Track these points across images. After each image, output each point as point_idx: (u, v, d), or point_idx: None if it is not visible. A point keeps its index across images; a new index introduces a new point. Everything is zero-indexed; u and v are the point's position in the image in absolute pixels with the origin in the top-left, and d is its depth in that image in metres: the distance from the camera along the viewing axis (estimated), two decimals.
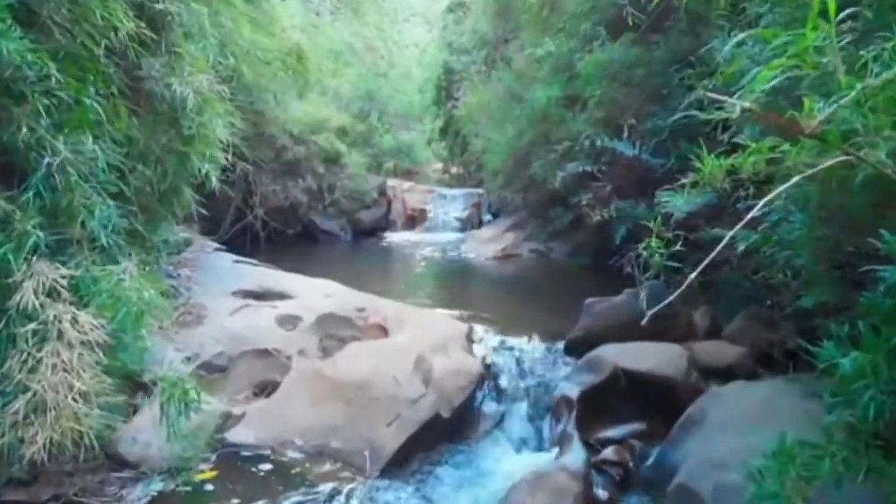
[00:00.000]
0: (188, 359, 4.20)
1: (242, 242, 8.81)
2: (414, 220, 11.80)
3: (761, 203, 1.77)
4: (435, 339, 4.24)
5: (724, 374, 3.99)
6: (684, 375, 3.89)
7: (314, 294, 5.23)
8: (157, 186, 4.10)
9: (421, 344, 4.10)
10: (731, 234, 2.09)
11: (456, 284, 6.81)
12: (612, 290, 6.03)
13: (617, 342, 4.24)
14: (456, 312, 5.39)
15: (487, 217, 11.72)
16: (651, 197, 5.96)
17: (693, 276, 1.91)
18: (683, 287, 2.04)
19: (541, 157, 8.13)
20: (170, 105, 4.07)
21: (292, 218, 9.48)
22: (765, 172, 2.00)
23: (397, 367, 3.76)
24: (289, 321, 4.70)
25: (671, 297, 2.07)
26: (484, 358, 4.18)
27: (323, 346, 4.49)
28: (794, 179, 1.75)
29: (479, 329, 4.80)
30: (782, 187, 1.83)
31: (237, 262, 5.90)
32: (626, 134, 5.85)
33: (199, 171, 4.16)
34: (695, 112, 2.66)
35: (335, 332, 4.74)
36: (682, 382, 3.85)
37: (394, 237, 10.65)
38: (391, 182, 12.25)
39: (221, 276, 5.42)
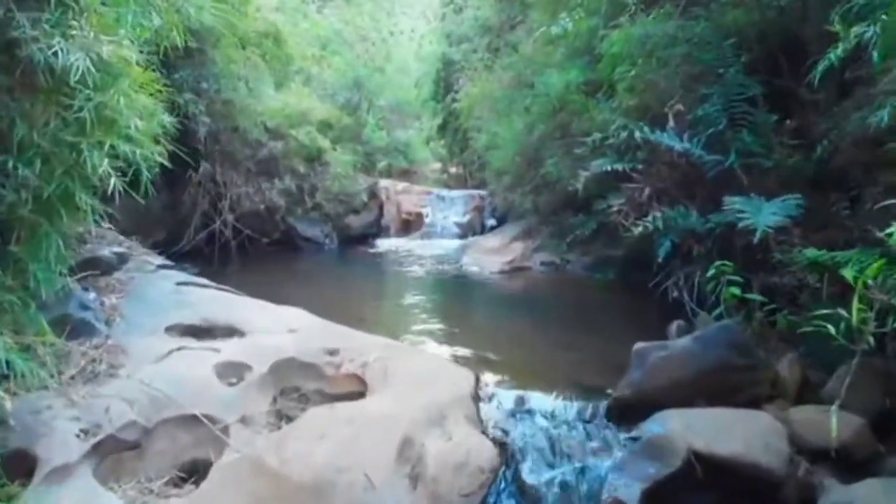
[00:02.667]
0: (85, 432, 3.02)
1: (210, 253, 7.63)
2: (409, 224, 10.63)
3: None
4: (429, 401, 3.06)
5: (838, 458, 2.81)
6: (785, 463, 2.71)
7: (274, 328, 4.05)
8: (38, 192, 2.92)
9: (409, 411, 2.92)
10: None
11: (456, 308, 5.62)
12: (650, 317, 4.87)
13: (680, 404, 3.07)
14: (457, 351, 4.21)
15: (491, 222, 10.55)
16: (702, 202, 4.80)
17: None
18: None
19: (555, 154, 6.97)
20: (57, 78, 2.89)
21: (269, 224, 8.29)
22: None
23: (373, 454, 2.58)
24: (234, 371, 3.51)
25: None
26: (497, 433, 2.99)
27: (276, 410, 3.31)
28: None
29: (488, 379, 3.62)
30: None
31: (182, 284, 4.70)
32: (670, 123, 4.67)
33: (97, 168, 2.95)
34: None
35: (296, 384, 3.56)
36: (785, 474, 2.67)
37: (386, 245, 9.46)
38: (384, 183, 11.08)
39: (157, 305, 4.23)
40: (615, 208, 5.00)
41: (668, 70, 5.03)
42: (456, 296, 6.19)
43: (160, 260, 5.37)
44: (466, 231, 10.23)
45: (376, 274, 7.53)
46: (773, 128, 4.50)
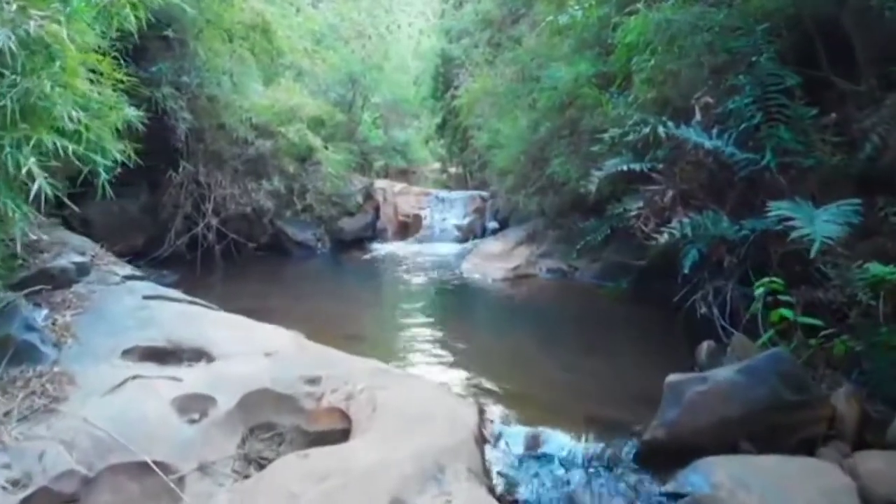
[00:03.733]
0: (13, 483, 2.53)
1: (192, 259, 7.11)
2: (407, 227, 10.12)
3: None
4: (423, 447, 2.55)
5: None
6: None
7: (248, 351, 3.55)
8: None
9: (399, 462, 2.42)
10: None
11: (456, 323, 5.11)
12: (673, 335, 4.36)
13: (723, 449, 2.58)
14: (457, 376, 3.71)
15: (492, 224, 10.04)
16: (733, 206, 4.29)
17: None
18: None
19: (563, 153, 6.47)
20: None
21: (256, 227, 7.78)
22: None
23: None
24: (196, 405, 3.00)
25: None
26: (506, 486, 2.49)
27: (244, 454, 2.80)
28: None
29: (493, 412, 3.12)
30: None
31: (150, 298, 4.19)
32: (696, 117, 4.17)
33: (21, 165, 2.45)
34: None
35: (269, 420, 3.06)
36: None
37: (382, 249, 8.95)
38: (380, 184, 10.58)
39: (117, 324, 3.72)
40: (633, 212, 4.49)
41: (691, 59, 4.53)
42: (456, 308, 5.67)
43: (128, 269, 4.86)
44: (467, 234, 9.72)
45: (370, 282, 7.02)
46: (812, 123, 4.01)
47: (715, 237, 3.93)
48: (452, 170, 16.58)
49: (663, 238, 3.78)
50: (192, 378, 3.17)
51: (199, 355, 3.55)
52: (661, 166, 4.49)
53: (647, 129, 4.17)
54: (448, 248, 9.02)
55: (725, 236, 3.84)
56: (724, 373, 2.75)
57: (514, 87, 7.46)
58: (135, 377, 3.15)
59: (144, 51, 6.61)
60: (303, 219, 8.04)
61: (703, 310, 3.99)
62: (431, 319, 5.17)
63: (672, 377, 2.81)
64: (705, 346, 3.75)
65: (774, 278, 2.90)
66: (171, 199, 7.17)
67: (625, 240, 5.63)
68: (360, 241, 9.04)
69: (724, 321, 3.84)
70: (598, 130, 5.53)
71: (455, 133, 12.51)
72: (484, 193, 10.49)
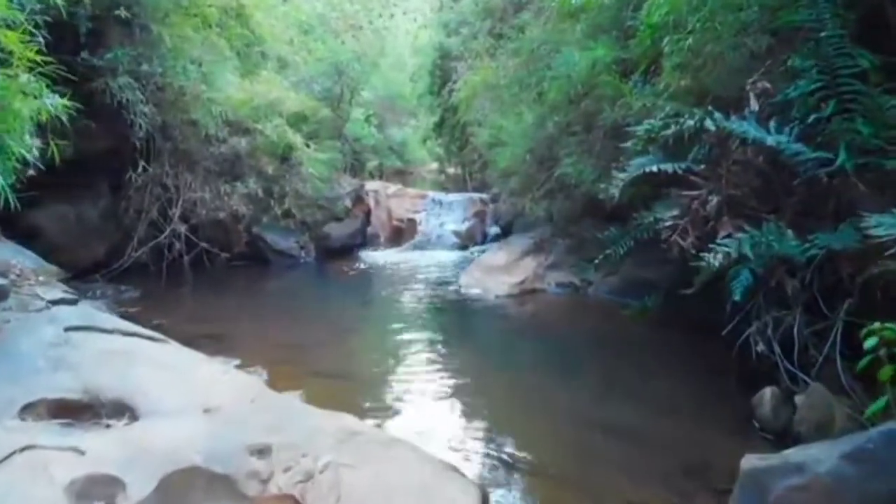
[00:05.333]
0: None
1: (157, 271, 6.32)
2: (401, 232, 9.35)
3: None
4: None
5: None
6: None
7: (185, 404, 2.77)
8: None
9: None
10: None
11: (453, 354, 4.29)
12: (718, 372, 3.58)
13: None
14: (453, 437, 2.93)
15: (493, 229, 9.28)
16: (793, 217, 3.51)
17: None
18: None
19: (574, 151, 5.69)
20: None
21: (232, 235, 6.99)
22: None
23: None
24: (99, 490, 2.21)
25: None
26: None
27: None
28: None
29: (502, 498, 2.34)
30: None
31: (74, 329, 3.40)
32: (751, 106, 3.39)
33: None
34: None
35: None
36: None
37: (373, 258, 8.16)
38: (372, 185, 9.83)
39: (25, 366, 2.94)
40: (668, 223, 3.70)
41: (737, 39, 3.74)
42: (453, 333, 4.85)
43: (59, 292, 4.05)
44: (466, 241, 8.95)
45: (356, 299, 6.21)
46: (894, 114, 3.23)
47: (774, 256, 3.15)
48: (451, 170, 15.82)
49: (716, 259, 2.99)
50: (100, 448, 2.38)
51: (120, 410, 2.76)
52: (701, 167, 3.70)
53: (691, 122, 3.38)
54: (445, 257, 8.24)
55: (788, 255, 3.06)
56: (825, 461, 1.96)
57: (520, 76, 6.67)
58: (25, 449, 2.35)
59: (99, 35, 5.83)
60: (284, 225, 7.25)
61: (760, 347, 3.20)
62: (424, 350, 4.37)
63: (750, 462, 2.02)
64: (768, 394, 2.98)
65: (889, 324, 2.12)
66: (133, 203, 6.39)
67: (646, 250, 4.85)
68: (349, 249, 8.25)
69: (789, 364, 3.05)
70: (619, 125, 4.76)
71: (453, 131, 11.73)
72: (484, 196, 9.75)
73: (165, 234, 6.31)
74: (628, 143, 3.88)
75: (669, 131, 3.50)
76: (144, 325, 4.62)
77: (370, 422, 2.88)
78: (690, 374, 3.63)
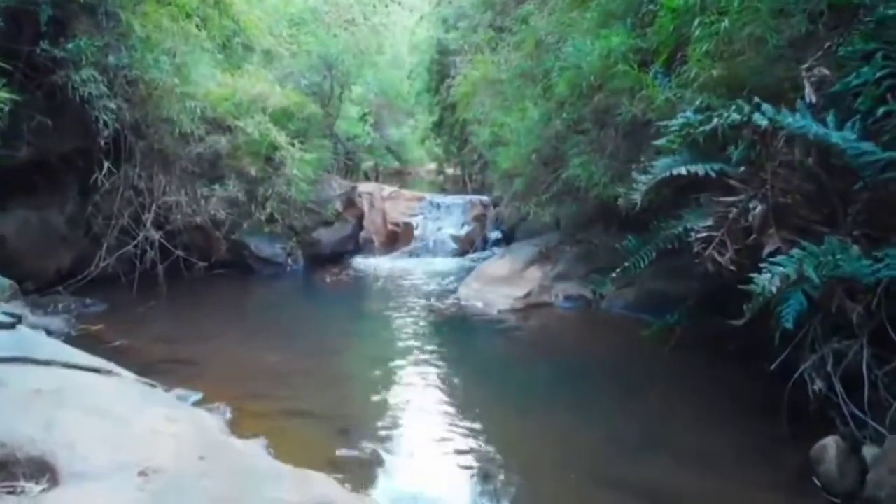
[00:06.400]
0: None
1: (129, 282, 5.78)
2: (396, 237, 8.81)
3: None
4: None
5: None
6: None
7: (118, 463, 2.23)
8: None
9: None
10: None
11: (450, 382, 3.73)
12: (760, 407, 3.04)
13: None
14: (451, 500, 2.39)
15: (495, 234, 8.75)
16: (853, 228, 2.98)
17: None
18: None
19: (584, 151, 5.17)
20: None
21: (212, 241, 6.45)
22: None
23: None
24: None
25: None
26: None
27: None
28: None
29: None
30: None
31: (6, 361, 2.86)
32: (807, 97, 2.86)
33: None
34: None
35: None
36: None
37: (366, 265, 7.62)
38: (366, 187, 9.29)
39: None
40: (701, 234, 3.17)
41: (781, 21, 3.22)
42: (450, 358, 4.24)
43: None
44: (465, 246, 8.43)
45: (343, 314, 5.64)
46: None
47: (834, 277, 2.62)
48: (450, 171, 15.31)
49: (772, 283, 2.45)
50: None
51: (39, 471, 2.21)
52: (740, 170, 3.17)
53: (736, 116, 2.84)
54: (443, 264, 7.72)
55: (857, 276, 2.53)
56: None
57: (524, 68, 6.14)
58: None
59: (62, 23, 5.29)
60: (269, 230, 6.70)
61: (817, 386, 2.67)
62: (417, 380, 3.81)
63: None
64: (833, 446, 2.46)
65: None
66: (103, 208, 5.85)
67: (664, 260, 4.32)
68: (340, 256, 7.71)
69: (854, 408, 2.53)
70: (637, 121, 4.23)
71: (452, 130, 11.21)
72: (485, 198, 9.22)
73: (137, 241, 5.77)
74: (661, 141, 3.33)
75: (709, 125, 2.97)
76: (102, 348, 4.12)
77: (348, 486, 2.34)
78: (729, 415, 3.09)
